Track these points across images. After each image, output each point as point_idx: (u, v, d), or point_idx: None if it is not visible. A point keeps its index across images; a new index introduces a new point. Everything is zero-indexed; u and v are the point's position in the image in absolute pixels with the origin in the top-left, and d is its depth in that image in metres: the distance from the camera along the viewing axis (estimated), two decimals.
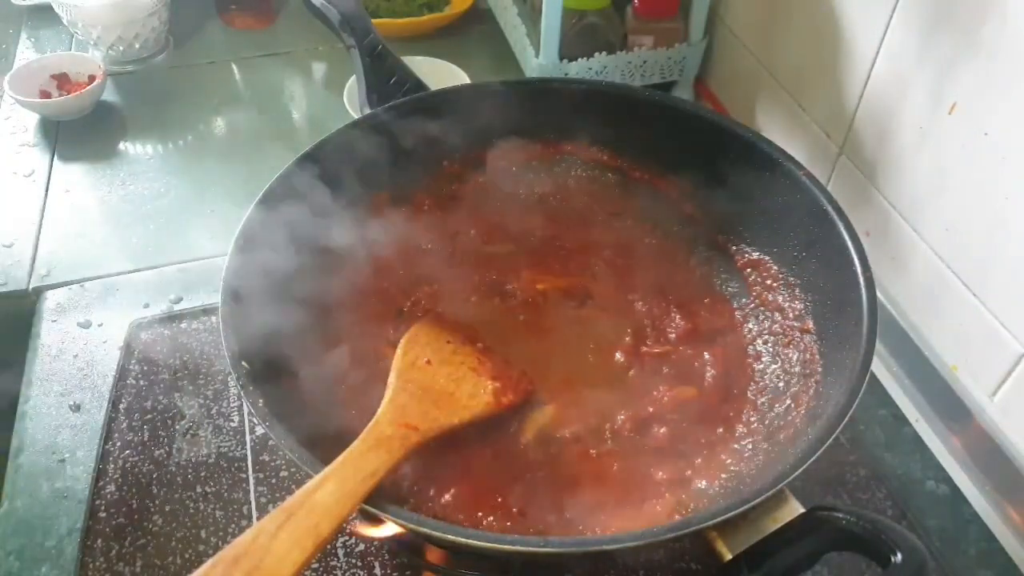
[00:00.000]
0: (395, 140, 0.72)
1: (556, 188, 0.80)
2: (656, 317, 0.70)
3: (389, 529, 0.62)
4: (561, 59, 1.01)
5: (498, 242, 0.77)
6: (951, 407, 0.72)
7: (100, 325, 0.81)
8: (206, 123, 1.08)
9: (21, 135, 1.05)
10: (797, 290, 0.67)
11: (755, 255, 0.71)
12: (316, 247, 0.66)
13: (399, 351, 0.62)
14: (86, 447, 0.71)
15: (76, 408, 0.74)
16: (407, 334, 0.64)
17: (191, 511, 0.67)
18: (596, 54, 1.02)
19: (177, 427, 0.73)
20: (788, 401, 0.61)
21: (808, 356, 0.63)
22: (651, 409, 0.63)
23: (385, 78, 0.75)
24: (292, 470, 0.69)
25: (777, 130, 0.94)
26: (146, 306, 0.83)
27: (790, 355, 0.65)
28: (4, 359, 0.83)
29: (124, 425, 0.73)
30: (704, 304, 0.72)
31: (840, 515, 0.47)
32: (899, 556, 0.44)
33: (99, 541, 0.65)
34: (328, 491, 0.46)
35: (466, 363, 0.63)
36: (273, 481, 0.69)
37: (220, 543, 0.65)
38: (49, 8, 1.14)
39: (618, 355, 0.68)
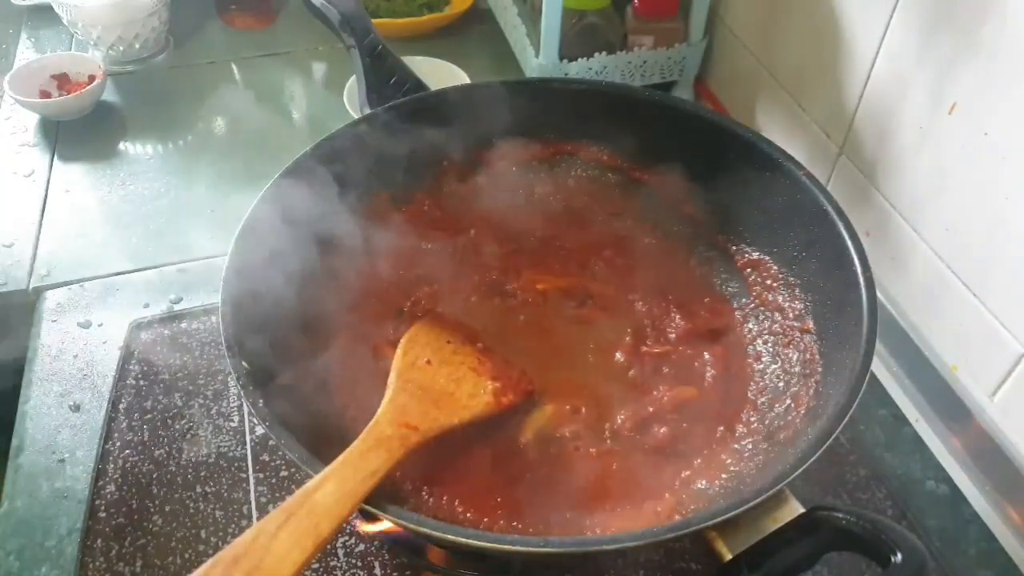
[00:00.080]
0: (395, 140, 0.72)
1: (556, 188, 0.80)
2: (656, 317, 0.70)
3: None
4: (561, 59, 1.01)
5: (498, 242, 0.77)
6: (951, 407, 0.72)
7: (100, 325, 0.81)
8: (206, 123, 1.08)
9: (21, 135, 1.05)
10: (797, 290, 0.67)
11: (755, 255, 0.71)
12: (316, 247, 0.66)
13: (399, 351, 0.62)
14: (86, 447, 0.71)
15: (76, 408, 0.74)
16: (407, 334, 0.64)
17: (191, 511, 0.67)
18: (596, 54, 1.02)
19: (177, 427, 0.73)
20: (788, 401, 0.61)
21: (808, 356, 0.63)
22: (651, 409, 0.63)
23: (385, 78, 0.75)
24: (292, 470, 0.69)
25: (777, 130, 0.94)
26: (146, 306, 0.83)
27: (790, 355, 0.65)
28: (4, 359, 0.83)
29: (124, 425, 0.73)
30: (704, 304, 0.72)
31: (840, 515, 0.47)
32: (899, 556, 0.44)
33: (99, 541, 0.65)
34: (328, 491, 0.46)
35: (466, 363, 0.63)
36: (273, 481, 0.69)
37: (220, 543, 0.65)
38: (49, 8, 1.14)
39: (618, 355, 0.68)
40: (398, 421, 0.54)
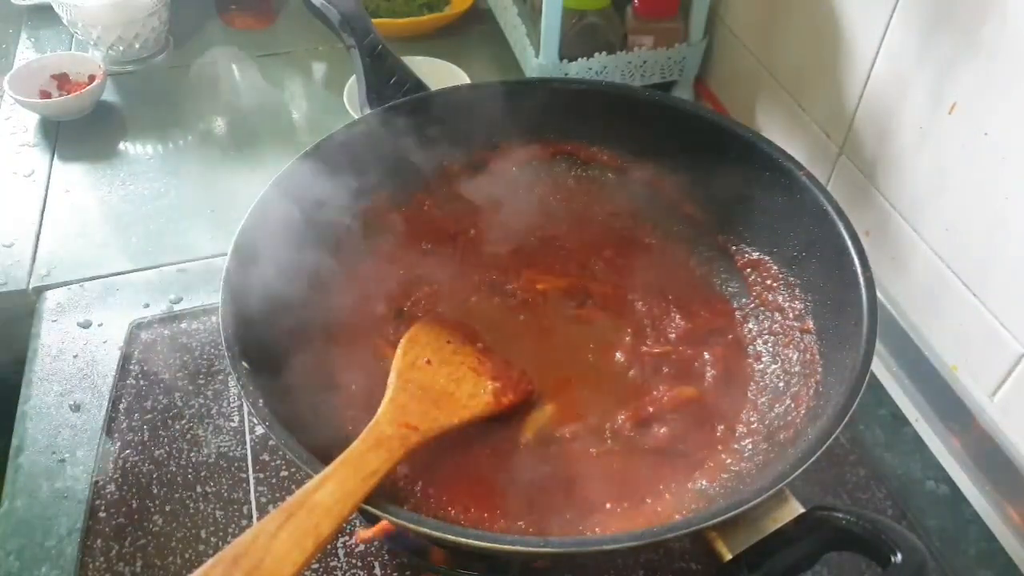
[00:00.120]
0: (395, 140, 0.72)
1: (556, 188, 0.80)
2: (656, 317, 0.70)
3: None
4: (561, 59, 1.01)
5: (498, 242, 0.77)
6: (951, 407, 0.72)
7: (100, 325, 0.81)
8: (206, 123, 1.08)
9: (21, 135, 1.05)
10: (797, 290, 0.67)
11: (755, 255, 0.71)
12: (316, 247, 0.66)
13: (399, 351, 0.62)
14: (86, 447, 0.71)
15: (76, 408, 0.74)
16: (407, 334, 0.64)
17: (191, 511, 0.67)
18: (596, 54, 1.02)
19: (177, 427, 0.73)
20: (788, 401, 0.61)
21: (808, 356, 0.63)
22: (651, 409, 0.63)
23: (385, 78, 0.74)
24: (292, 470, 0.69)
25: (777, 130, 0.94)
26: (146, 306, 0.83)
27: (790, 355, 0.65)
28: (4, 359, 0.83)
29: (124, 425, 0.73)
30: (704, 304, 0.72)
31: (840, 515, 0.47)
32: (899, 556, 0.44)
33: (99, 541, 0.65)
34: (328, 491, 0.46)
35: (466, 363, 0.63)
36: (273, 481, 0.69)
37: (220, 543, 0.65)
38: (49, 8, 1.14)
39: (618, 355, 0.68)
40: (398, 421, 0.54)
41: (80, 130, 1.06)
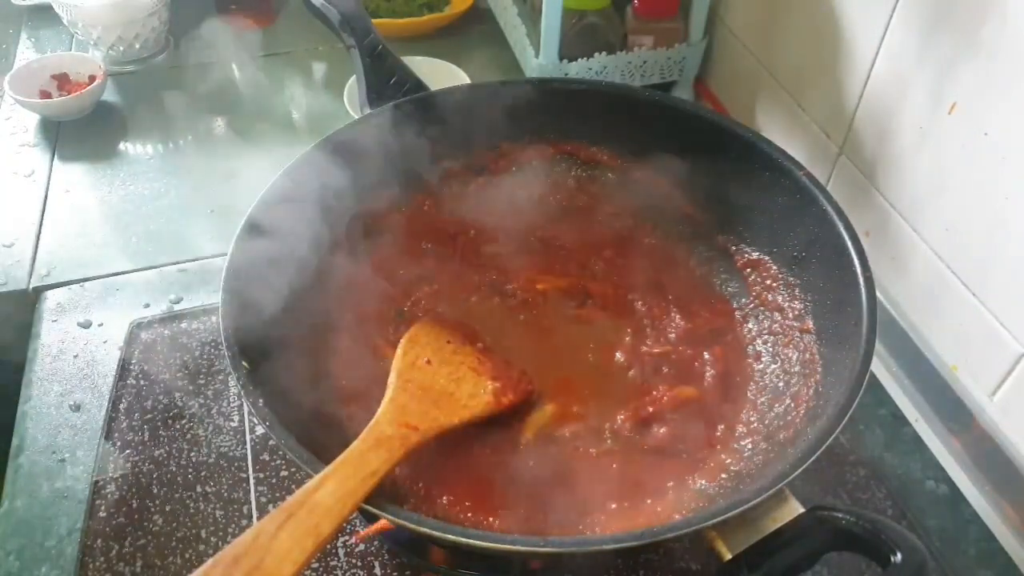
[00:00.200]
0: (395, 140, 0.72)
1: (556, 188, 0.80)
2: (656, 317, 0.70)
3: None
4: (561, 59, 1.01)
5: (498, 242, 0.77)
6: (951, 407, 0.72)
7: (100, 325, 0.81)
8: (206, 123, 1.08)
9: (21, 135, 1.05)
10: (797, 290, 0.67)
11: (755, 255, 0.71)
12: (316, 247, 0.66)
13: (399, 351, 0.62)
14: (86, 447, 0.71)
15: (76, 408, 0.74)
16: (407, 334, 0.64)
17: (191, 511, 0.67)
18: (596, 54, 1.02)
19: (177, 427, 0.73)
20: (788, 401, 0.61)
21: (808, 356, 0.63)
22: (651, 409, 0.63)
23: (385, 78, 0.75)
24: (292, 470, 0.69)
25: (777, 130, 0.94)
26: (146, 306, 0.83)
27: (790, 355, 0.65)
28: (4, 359, 0.83)
29: (124, 425, 0.73)
30: (704, 304, 0.72)
31: (840, 515, 0.47)
32: (899, 556, 0.44)
33: (99, 541, 0.65)
34: (328, 491, 0.46)
35: (466, 363, 0.63)
36: (273, 481, 0.69)
37: (220, 543, 0.65)
38: (49, 8, 1.14)
39: (618, 355, 0.68)
40: (398, 421, 0.54)
41: (80, 130, 1.06)
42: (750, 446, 0.61)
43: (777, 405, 0.62)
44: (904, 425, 0.74)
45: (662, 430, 0.62)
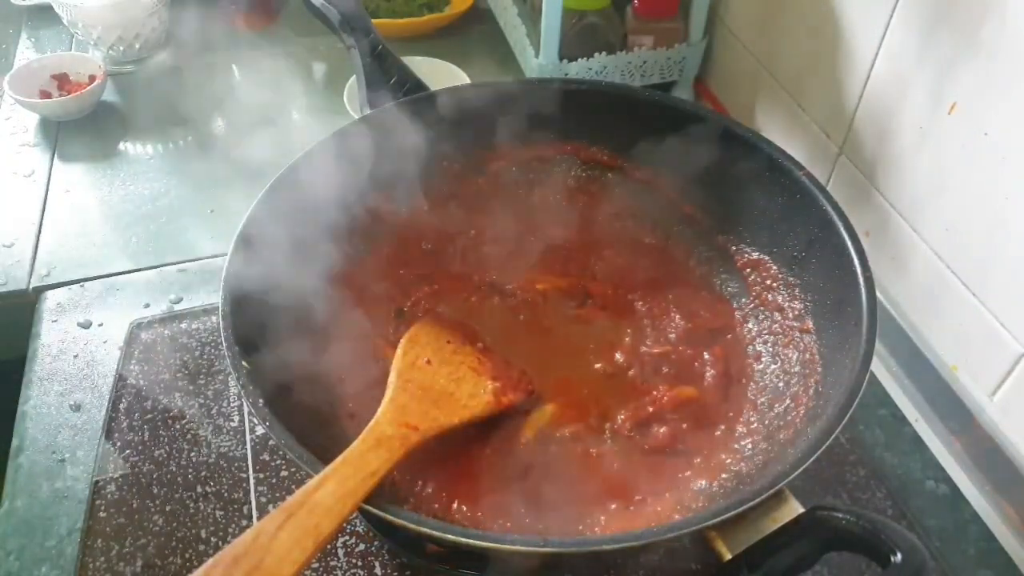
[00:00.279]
0: (395, 140, 0.72)
1: (556, 188, 0.80)
2: (656, 317, 0.70)
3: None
4: (561, 59, 1.01)
5: (498, 242, 0.77)
6: (951, 407, 0.72)
7: (100, 325, 0.81)
8: (206, 123, 1.08)
9: (21, 135, 1.05)
10: (797, 290, 0.67)
11: (755, 255, 0.71)
12: (316, 247, 0.66)
13: (399, 351, 0.62)
14: (86, 447, 0.71)
15: (76, 408, 0.74)
16: (407, 334, 0.64)
17: (191, 511, 0.67)
18: (596, 54, 1.02)
19: (177, 427, 0.73)
20: (788, 401, 0.61)
21: (808, 356, 0.63)
22: (651, 409, 0.63)
23: (385, 78, 0.75)
24: (292, 470, 0.69)
25: (777, 130, 0.94)
26: (146, 306, 0.83)
27: (790, 355, 0.65)
28: (4, 359, 0.83)
29: (124, 425, 0.73)
30: (704, 304, 0.72)
31: (840, 515, 0.47)
32: (899, 556, 0.44)
33: (99, 541, 0.65)
34: (328, 491, 0.46)
35: (466, 363, 0.63)
36: (273, 481, 0.69)
37: (220, 543, 0.65)
38: (49, 8, 1.14)
39: (618, 355, 0.68)
40: (398, 421, 0.54)
41: (80, 130, 1.06)
42: (750, 446, 0.61)
43: (777, 405, 0.62)
44: (904, 425, 0.74)
45: (662, 430, 0.62)
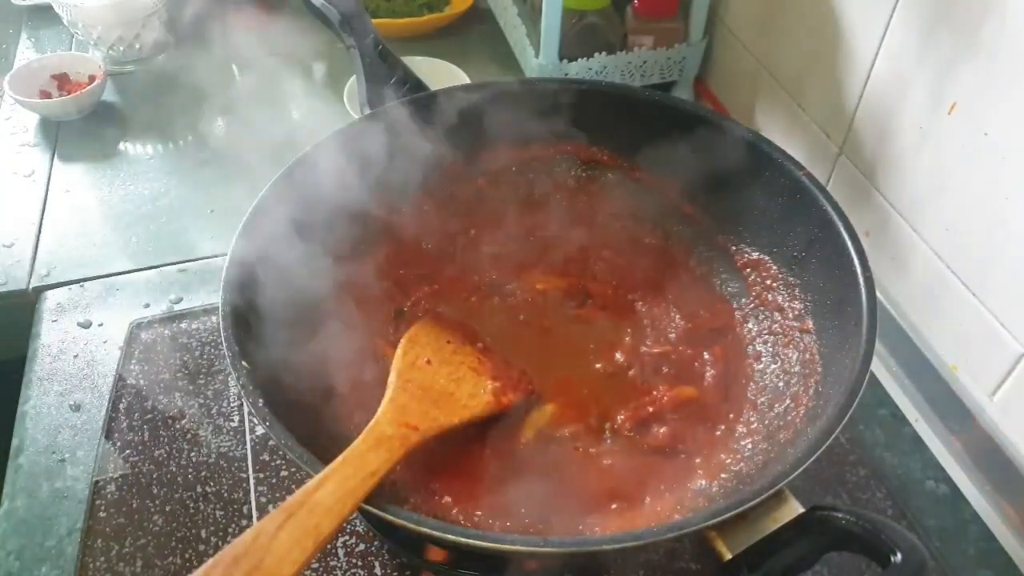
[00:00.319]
0: (395, 140, 0.72)
1: (556, 188, 0.80)
2: (656, 317, 0.70)
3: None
4: (561, 59, 1.01)
5: (498, 242, 0.77)
6: (951, 407, 0.72)
7: (100, 325, 0.81)
8: (206, 123, 1.08)
9: (21, 135, 1.05)
10: (797, 290, 0.67)
11: (755, 255, 0.71)
12: (316, 247, 0.66)
13: (399, 351, 0.62)
14: (86, 447, 0.71)
15: (76, 408, 0.74)
16: (407, 334, 0.64)
17: (191, 511, 0.67)
18: (596, 54, 1.02)
19: (177, 427, 0.73)
20: (788, 401, 0.61)
21: (808, 356, 0.63)
22: (651, 409, 0.63)
23: (385, 78, 0.75)
24: (292, 470, 0.69)
25: (777, 130, 0.94)
26: (146, 306, 0.83)
27: (790, 355, 0.65)
28: (4, 359, 0.83)
29: (124, 425, 0.73)
30: (704, 304, 0.72)
31: (840, 515, 0.47)
32: (899, 556, 0.44)
33: (99, 541, 0.65)
34: (328, 491, 0.46)
35: (466, 363, 0.63)
36: (273, 481, 0.69)
37: (220, 543, 0.65)
38: (49, 8, 1.14)
39: (618, 355, 0.68)
40: (398, 421, 0.54)
41: (80, 130, 1.06)
42: (750, 446, 0.61)
43: (777, 405, 0.62)
44: (904, 425, 0.74)
45: (662, 430, 0.62)
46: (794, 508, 0.48)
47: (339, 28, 0.74)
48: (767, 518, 0.48)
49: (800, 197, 0.65)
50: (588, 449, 0.61)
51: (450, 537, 0.46)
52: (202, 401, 0.75)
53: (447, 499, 0.58)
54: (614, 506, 0.58)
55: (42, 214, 0.94)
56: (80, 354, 0.78)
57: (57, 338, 0.80)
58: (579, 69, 1.02)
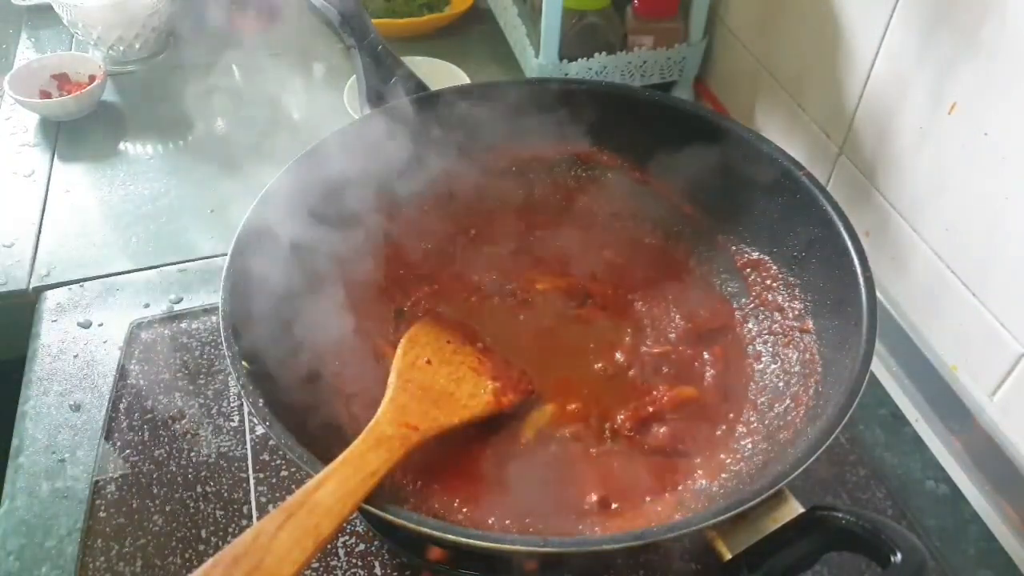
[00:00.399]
0: (395, 140, 0.72)
1: (556, 188, 0.80)
2: (656, 317, 0.70)
3: None
4: (561, 59, 1.01)
5: (498, 242, 0.77)
6: (951, 407, 0.72)
7: (100, 325, 0.81)
8: (206, 123, 1.08)
9: (21, 135, 1.05)
10: (797, 290, 0.67)
11: (755, 255, 0.71)
12: (316, 247, 0.66)
13: (399, 351, 0.62)
14: (86, 447, 0.71)
15: (76, 408, 0.74)
16: (407, 334, 0.64)
17: (191, 511, 0.67)
18: (596, 54, 1.02)
19: (177, 427, 0.73)
20: (788, 401, 0.61)
21: (808, 356, 0.63)
22: (651, 409, 0.63)
23: (385, 78, 0.75)
24: (292, 470, 0.69)
25: (777, 130, 0.94)
26: (146, 306, 0.83)
27: (790, 355, 0.65)
28: (4, 359, 0.83)
29: (124, 425, 0.73)
30: (704, 304, 0.72)
31: (840, 515, 0.47)
32: (899, 556, 0.44)
33: (99, 541, 0.65)
34: (328, 491, 0.46)
35: (466, 363, 0.63)
36: (273, 481, 0.69)
37: (220, 543, 0.65)
38: (49, 8, 1.14)
39: (618, 355, 0.68)
40: (398, 421, 0.54)
41: (80, 130, 1.06)
42: (750, 446, 0.61)
43: (777, 405, 0.62)
44: (904, 425, 0.74)
45: (662, 430, 0.62)
46: (794, 508, 0.48)
47: (339, 28, 0.74)
48: (767, 518, 0.48)
49: (800, 197, 0.65)
50: (588, 449, 0.61)
51: (450, 537, 0.46)
52: (202, 401, 0.75)
53: (447, 499, 0.58)
54: (614, 506, 0.58)
55: (42, 214, 0.94)
56: (80, 354, 0.78)
57: (57, 338, 0.80)
58: (579, 69, 1.02)
